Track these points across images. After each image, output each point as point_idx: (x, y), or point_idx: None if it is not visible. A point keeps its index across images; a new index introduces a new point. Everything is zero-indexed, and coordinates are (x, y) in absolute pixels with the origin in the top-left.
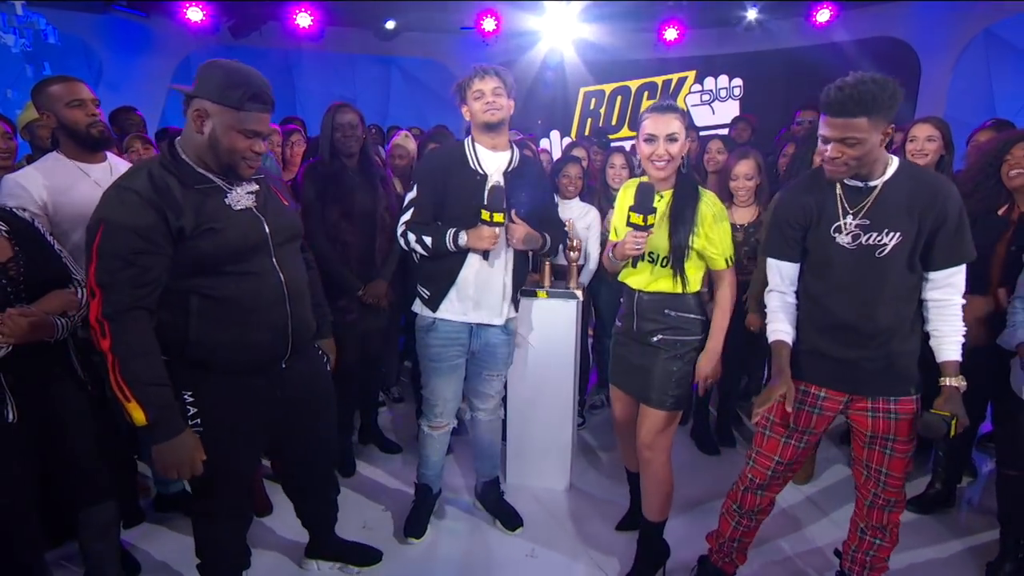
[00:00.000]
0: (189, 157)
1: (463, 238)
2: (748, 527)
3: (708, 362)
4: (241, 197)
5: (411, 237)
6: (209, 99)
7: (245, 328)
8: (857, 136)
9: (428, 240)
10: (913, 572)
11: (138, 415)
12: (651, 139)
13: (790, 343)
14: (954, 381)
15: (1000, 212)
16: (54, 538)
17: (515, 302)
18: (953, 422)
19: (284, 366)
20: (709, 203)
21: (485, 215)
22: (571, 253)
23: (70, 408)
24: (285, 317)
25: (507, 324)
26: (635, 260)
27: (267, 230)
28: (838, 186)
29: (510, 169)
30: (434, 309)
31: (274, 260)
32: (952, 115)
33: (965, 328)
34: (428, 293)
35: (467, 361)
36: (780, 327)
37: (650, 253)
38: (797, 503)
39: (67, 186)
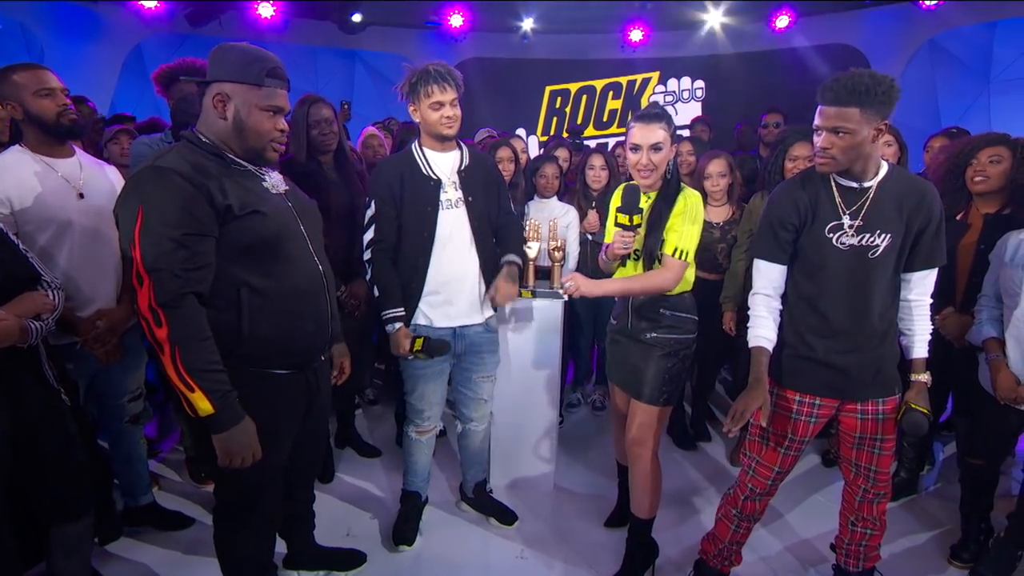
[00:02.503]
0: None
1: (390, 328)
2: (747, 529)
3: (588, 282)
4: (277, 182)
5: (372, 271)
6: (228, 80)
7: (294, 318)
8: (847, 126)
9: (377, 293)
10: (883, 556)
11: (203, 404)
12: (636, 148)
13: (770, 350)
14: (923, 377)
15: (958, 217)
16: (24, 559)
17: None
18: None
19: (322, 359)
20: (684, 198)
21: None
22: (555, 253)
23: (43, 418)
24: (326, 307)
25: (488, 322)
26: (624, 259)
27: (298, 217)
28: (833, 186)
29: (462, 168)
30: (408, 323)
31: (311, 248)
32: (900, 120)
33: (932, 327)
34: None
35: (454, 367)
36: (762, 333)
37: (636, 251)
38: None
39: (33, 182)
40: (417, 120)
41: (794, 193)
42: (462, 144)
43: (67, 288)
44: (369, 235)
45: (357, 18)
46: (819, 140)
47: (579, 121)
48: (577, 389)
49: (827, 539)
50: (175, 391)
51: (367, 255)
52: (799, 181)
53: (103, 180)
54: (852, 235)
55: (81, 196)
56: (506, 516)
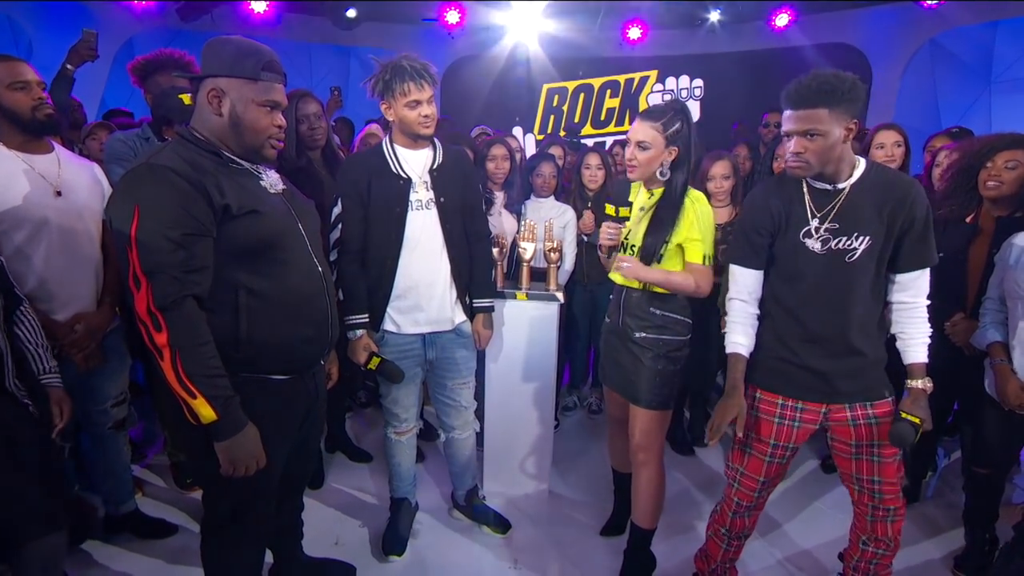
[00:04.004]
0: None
1: (351, 334)
2: (738, 547)
3: (637, 266)
4: (275, 180)
5: (336, 273)
6: (222, 75)
7: (294, 322)
8: (819, 128)
9: (341, 296)
10: None
11: (206, 411)
12: (626, 143)
13: (746, 356)
14: (921, 383)
15: (968, 219)
16: None
17: (466, 308)
18: (921, 428)
19: (321, 363)
20: (694, 200)
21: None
22: (551, 254)
23: (9, 431)
24: (326, 311)
25: (459, 328)
26: (611, 252)
27: (296, 218)
28: (805, 189)
29: (435, 167)
30: (376, 328)
31: (310, 249)
32: (900, 120)
33: (931, 330)
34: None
35: (428, 374)
36: (737, 339)
37: (633, 246)
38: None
39: (8, 179)
40: (391, 119)
41: (768, 197)
42: (436, 141)
43: (43, 290)
44: (335, 235)
45: (351, 14)
46: (790, 145)
47: (576, 120)
48: (573, 392)
49: (827, 549)
50: (176, 398)
51: (332, 256)
52: (774, 184)
53: (83, 177)
54: (827, 239)
55: (59, 194)
56: (499, 524)
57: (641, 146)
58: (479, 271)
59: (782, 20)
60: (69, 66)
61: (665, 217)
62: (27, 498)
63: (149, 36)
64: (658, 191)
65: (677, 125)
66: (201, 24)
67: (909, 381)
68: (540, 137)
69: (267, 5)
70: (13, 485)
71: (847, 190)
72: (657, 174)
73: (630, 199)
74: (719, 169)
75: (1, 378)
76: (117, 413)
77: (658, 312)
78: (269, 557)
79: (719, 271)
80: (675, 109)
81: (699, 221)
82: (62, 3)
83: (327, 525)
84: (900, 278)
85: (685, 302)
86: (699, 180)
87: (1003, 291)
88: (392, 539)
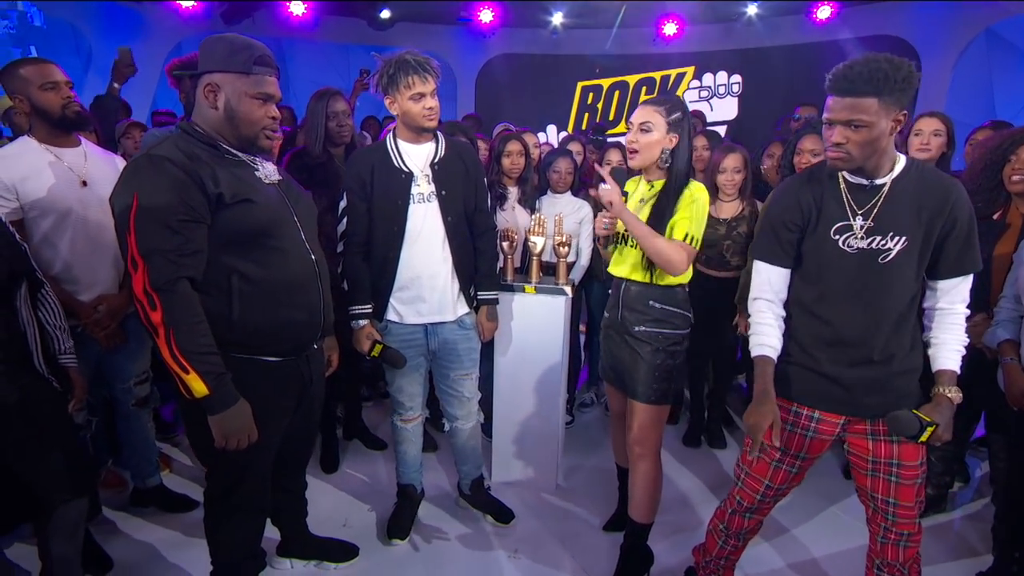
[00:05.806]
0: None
1: (355, 324)
2: (735, 547)
3: (619, 202)
4: (270, 172)
5: (342, 264)
6: (217, 70)
7: (285, 307)
8: (865, 119)
9: (346, 287)
10: None
11: (198, 386)
12: (630, 127)
13: (775, 359)
14: (947, 391)
15: (995, 216)
16: None
17: (469, 300)
18: (930, 429)
19: (315, 347)
20: (692, 188)
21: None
22: (560, 248)
23: (36, 406)
24: (318, 297)
25: (462, 319)
26: (622, 247)
27: (291, 207)
28: (841, 184)
29: (436, 160)
30: (379, 318)
31: (303, 237)
32: (951, 115)
33: (968, 340)
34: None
35: (431, 364)
36: (764, 340)
37: (620, 235)
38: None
39: (37, 170)
40: (395, 113)
41: (797, 191)
42: (439, 135)
43: (69, 274)
44: (341, 227)
45: (385, 14)
46: (831, 134)
47: (611, 117)
48: (591, 388)
49: (839, 559)
50: (171, 374)
51: (339, 248)
52: (804, 178)
53: (108, 170)
54: (861, 237)
55: (84, 184)
56: (503, 514)
57: (643, 128)
58: (483, 263)
59: (824, 12)
60: (116, 85)
61: (666, 207)
62: (54, 467)
63: (196, 40)
64: (659, 183)
65: (678, 114)
66: (243, 27)
67: (935, 388)
68: None
69: (305, 8)
70: (41, 455)
71: (887, 187)
72: (659, 162)
73: (626, 189)
74: (731, 162)
75: (29, 357)
76: (139, 391)
77: (657, 306)
78: (278, 534)
79: (717, 266)
80: (676, 100)
81: (694, 204)
82: (117, 9)
83: (338, 507)
84: (940, 284)
85: (685, 296)
86: (710, 172)
87: (1018, 289)
88: (397, 524)
